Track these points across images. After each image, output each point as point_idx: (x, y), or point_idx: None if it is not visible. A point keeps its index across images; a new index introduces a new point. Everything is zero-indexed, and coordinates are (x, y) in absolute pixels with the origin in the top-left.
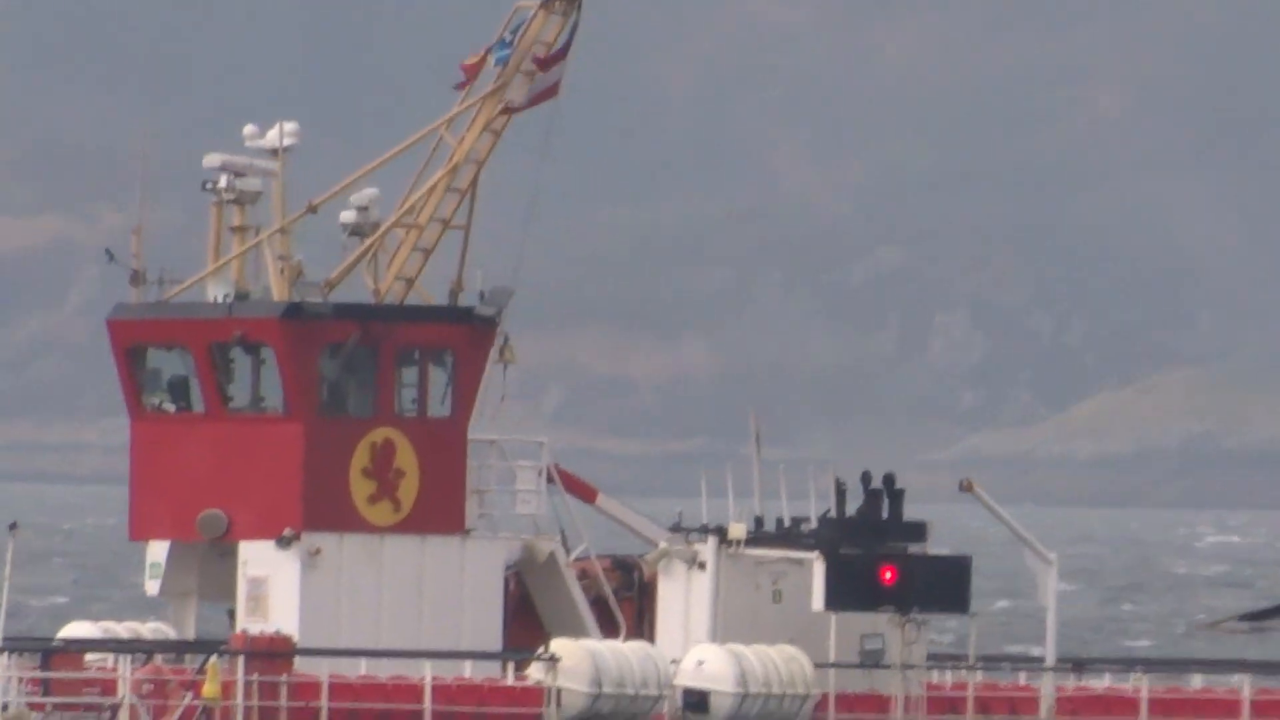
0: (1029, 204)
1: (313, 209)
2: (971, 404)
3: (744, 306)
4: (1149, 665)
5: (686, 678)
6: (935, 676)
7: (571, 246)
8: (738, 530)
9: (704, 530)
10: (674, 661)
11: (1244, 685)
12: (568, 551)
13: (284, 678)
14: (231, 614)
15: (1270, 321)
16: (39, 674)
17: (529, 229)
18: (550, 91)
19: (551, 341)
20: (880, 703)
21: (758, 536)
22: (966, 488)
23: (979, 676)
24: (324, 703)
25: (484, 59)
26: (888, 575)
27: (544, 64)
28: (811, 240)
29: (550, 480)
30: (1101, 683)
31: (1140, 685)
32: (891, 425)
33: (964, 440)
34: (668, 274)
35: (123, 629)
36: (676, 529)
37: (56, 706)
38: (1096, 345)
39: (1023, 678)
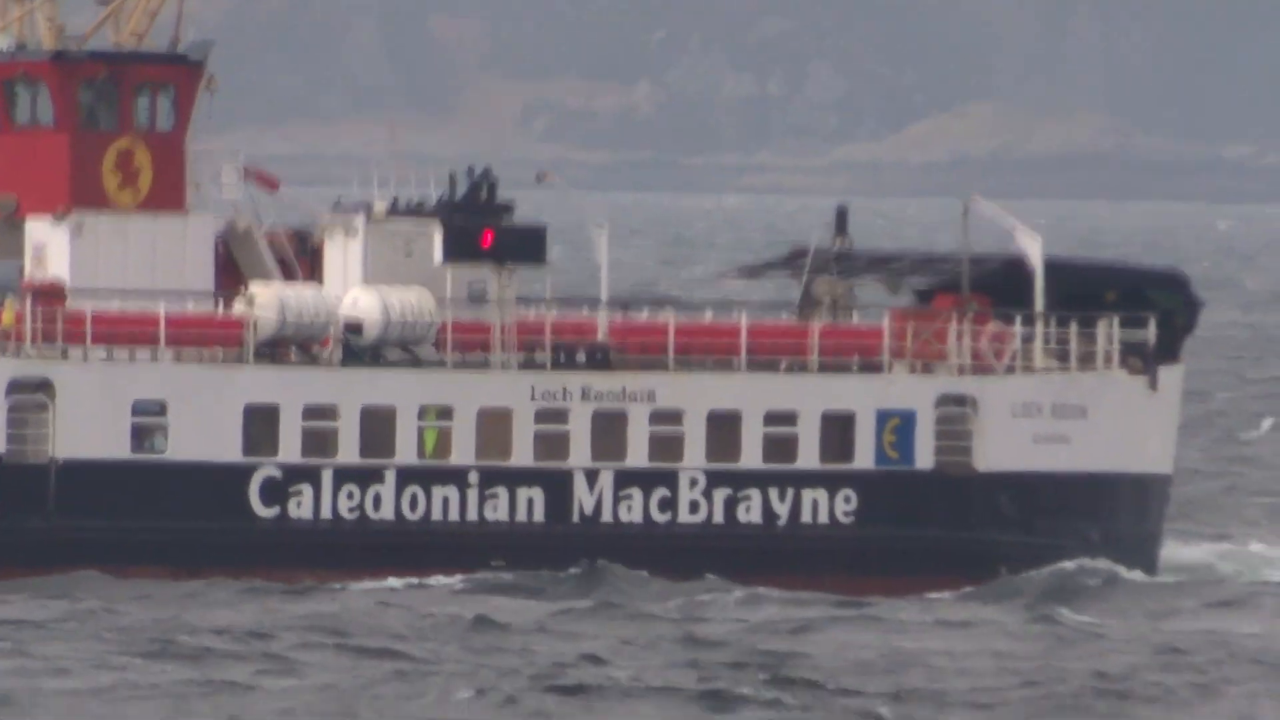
0: None
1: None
2: (836, 126)
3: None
4: (677, 304)
5: (346, 310)
6: (521, 311)
7: None
8: (380, 206)
9: (355, 207)
10: (337, 299)
11: (742, 318)
12: (261, 225)
13: (58, 310)
14: (20, 269)
15: (1055, 64)
16: None
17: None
18: None
19: None
20: (483, 329)
21: (394, 210)
22: (542, 178)
23: (554, 312)
24: (88, 329)
25: None
26: (488, 238)
27: None
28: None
29: (246, 175)
30: (641, 317)
31: (668, 319)
32: (784, 144)
33: (832, 152)
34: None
35: None
36: (336, 206)
37: None
38: (924, 85)
39: (586, 312)
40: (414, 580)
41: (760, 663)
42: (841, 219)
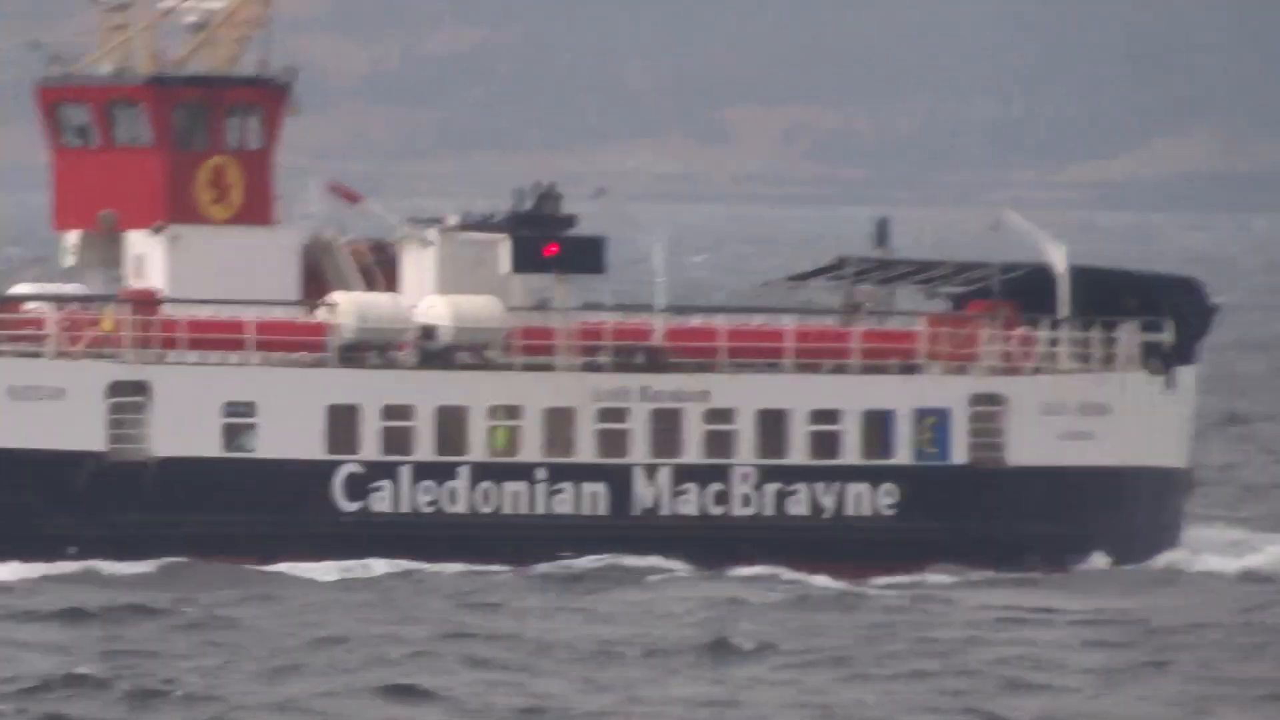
0: None
1: (165, 15)
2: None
3: None
4: (726, 309)
5: (421, 316)
6: (583, 317)
7: None
8: (452, 219)
9: (429, 220)
10: (413, 306)
11: (788, 321)
12: (344, 237)
13: (154, 317)
14: (121, 279)
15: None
16: None
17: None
18: None
19: None
20: (548, 333)
21: (466, 224)
22: (600, 192)
23: (614, 317)
24: (183, 335)
25: None
26: (552, 249)
27: None
28: None
29: (330, 190)
30: (696, 322)
31: (720, 323)
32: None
33: (1068, 169)
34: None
35: (50, 288)
36: (412, 220)
37: (6, 339)
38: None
39: (644, 317)
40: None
41: (790, 644)
42: (882, 230)
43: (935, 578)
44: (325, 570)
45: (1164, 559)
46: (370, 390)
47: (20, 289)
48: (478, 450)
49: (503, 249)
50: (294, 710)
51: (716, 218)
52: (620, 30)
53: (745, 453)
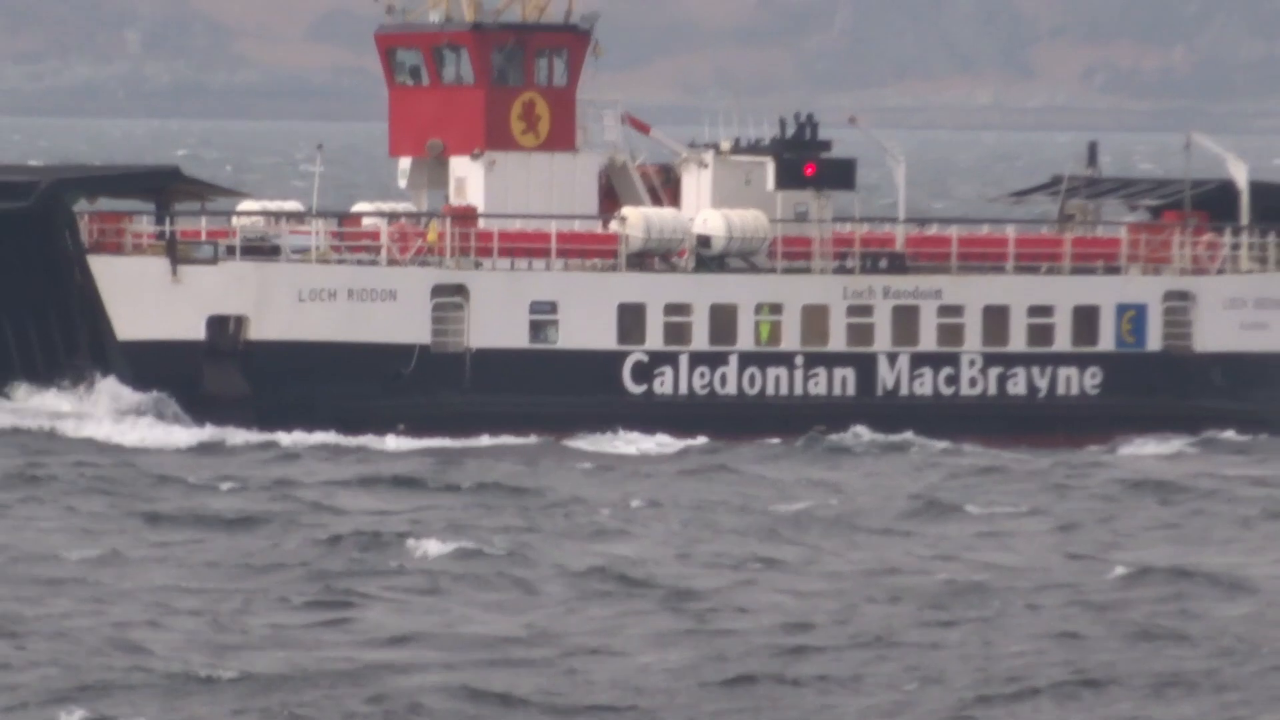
0: None
1: None
2: None
3: None
4: (958, 220)
5: (698, 228)
6: (836, 227)
7: None
8: (725, 145)
9: (706, 145)
10: (691, 219)
11: (1010, 230)
12: (634, 160)
13: (472, 230)
14: (446, 197)
15: None
16: (337, 230)
17: None
18: None
19: None
20: (805, 242)
21: (736, 149)
22: (852, 121)
23: (864, 227)
24: (495, 244)
25: None
26: (810, 169)
27: None
28: None
29: (623, 121)
30: (931, 231)
31: (952, 232)
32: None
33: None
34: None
35: (385, 206)
36: (692, 145)
37: (348, 249)
38: None
39: (887, 227)
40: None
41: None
42: (1092, 152)
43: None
44: (620, 443)
45: None
46: (655, 291)
47: (359, 206)
48: (746, 341)
49: (768, 169)
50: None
51: (983, 144)
52: None
53: (972, 342)
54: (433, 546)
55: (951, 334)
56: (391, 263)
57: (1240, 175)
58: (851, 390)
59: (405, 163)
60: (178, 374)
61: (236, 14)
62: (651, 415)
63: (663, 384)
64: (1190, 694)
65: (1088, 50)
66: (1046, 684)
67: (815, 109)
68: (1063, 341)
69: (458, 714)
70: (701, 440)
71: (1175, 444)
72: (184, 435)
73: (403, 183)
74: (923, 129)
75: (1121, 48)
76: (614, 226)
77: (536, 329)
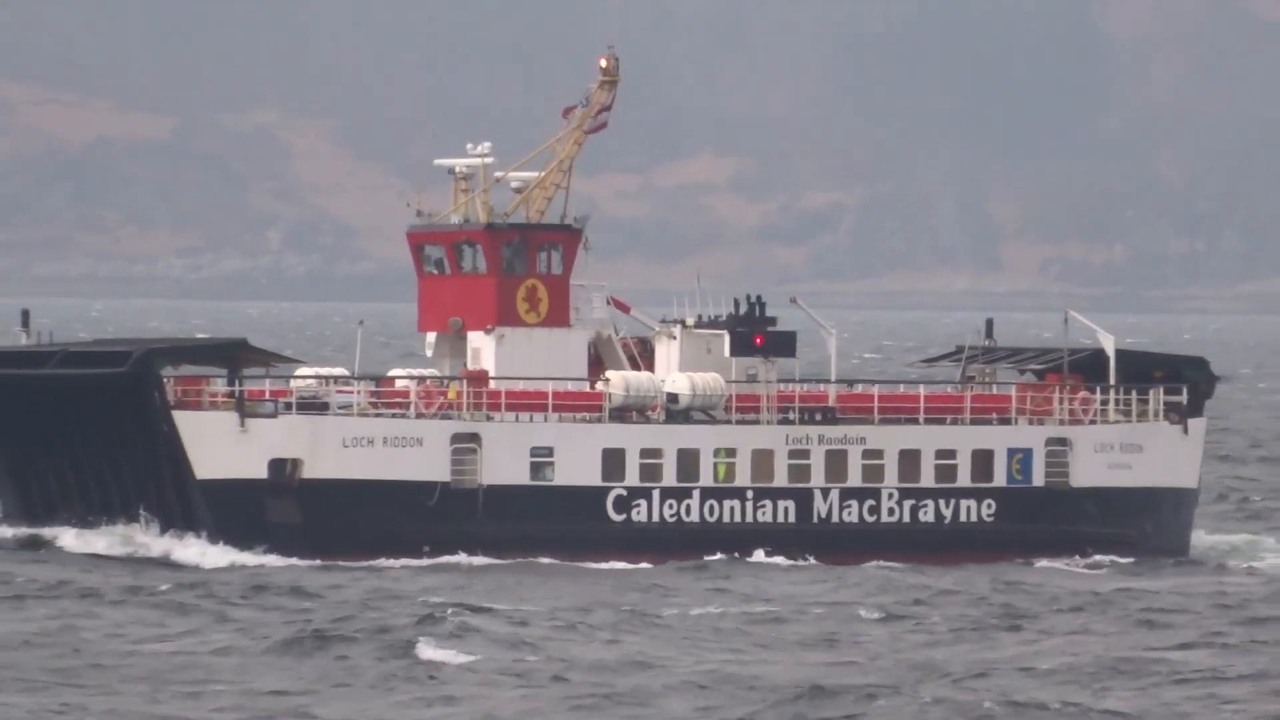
0: None
1: (496, 181)
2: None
3: None
4: (878, 381)
5: (668, 387)
6: (781, 386)
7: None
8: (690, 320)
9: (675, 321)
10: (662, 381)
11: (922, 389)
12: (617, 334)
13: (484, 389)
14: (464, 364)
15: None
16: (375, 389)
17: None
18: (603, 126)
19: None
20: (755, 399)
21: (699, 324)
22: (793, 301)
23: (803, 387)
24: (502, 401)
25: (575, 109)
26: (759, 340)
27: (600, 112)
28: None
29: (608, 302)
30: (858, 389)
31: (874, 390)
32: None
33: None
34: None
35: (415, 371)
36: (663, 321)
37: (384, 405)
38: None
39: (821, 387)
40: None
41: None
42: (989, 326)
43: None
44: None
45: (1180, 552)
46: (632, 438)
47: (394, 372)
48: (706, 478)
49: (725, 340)
50: None
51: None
52: (932, 187)
53: (890, 479)
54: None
55: (873, 473)
56: (419, 416)
57: (1108, 345)
58: (793, 519)
59: (431, 336)
60: (245, 507)
61: (358, 216)
62: (629, 539)
63: (639, 514)
64: None
65: (1045, 247)
66: None
67: (827, 294)
68: (964, 478)
69: None
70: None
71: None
72: (250, 559)
73: (429, 352)
74: (912, 309)
75: (1073, 245)
76: (600, 387)
77: (536, 469)
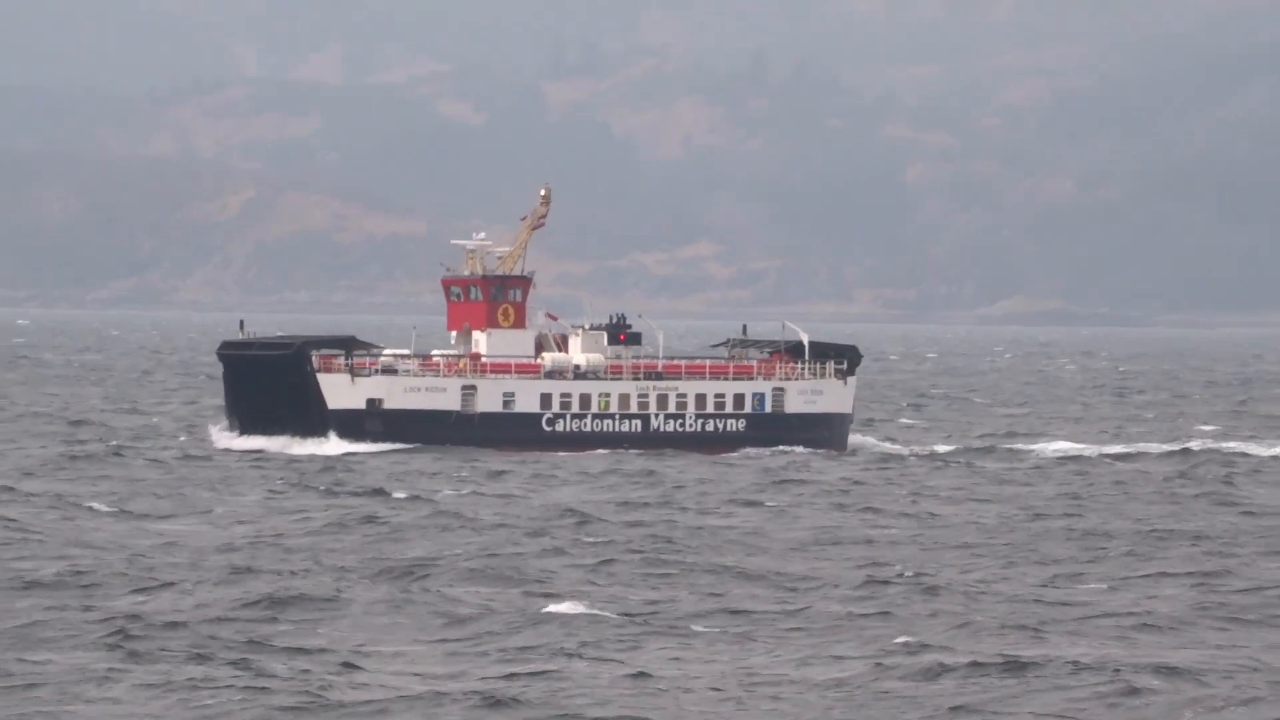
0: None
1: (485, 253)
2: None
3: None
4: (686, 356)
5: (575, 360)
6: (634, 360)
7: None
8: (587, 325)
9: (579, 326)
10: (571, 358)
11: (707, 361)
12: (550, 333)
13: (479, 362)
14: (470, 349)
15: None
16: (422, 360)
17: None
18: (542, 225)
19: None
20: (620, 368)
21: (593, 327)
22: (639, 316)
23: (644, 360)
24: (488, 367)
25: (527, 216)
26: (621, 336)
27: (541, 219)
28: None
29: (546, 315)
30: (674, 361)
31: (681, 362)
32: None
33: None
34: None
35: (444, 351)
36: (573, 324)
37: (426, 370)
38: None
39: (656, 361)
40: None
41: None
42: (744, 329)
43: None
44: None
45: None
46: (556, 387)
47: (434, 352)
48: (596, 409)
49: (604, 336)
50: None
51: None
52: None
53: (691, 409)
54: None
55: (681, 405)
56: (444, 375)
57: (805, 338)
58: (639, 429)
59: (454, 334)
60: (354, 424)
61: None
62: (554, 440)
63: (560, 427)
64: None
65: (877, 290)
66: None
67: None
68: (730, 408)
69: None
70: (567, 453)
71: (779, 454)
72: (367, 447)
73: (453, 342)
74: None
75: (888, 291)
76: (540, 361)
77: (505, 403)
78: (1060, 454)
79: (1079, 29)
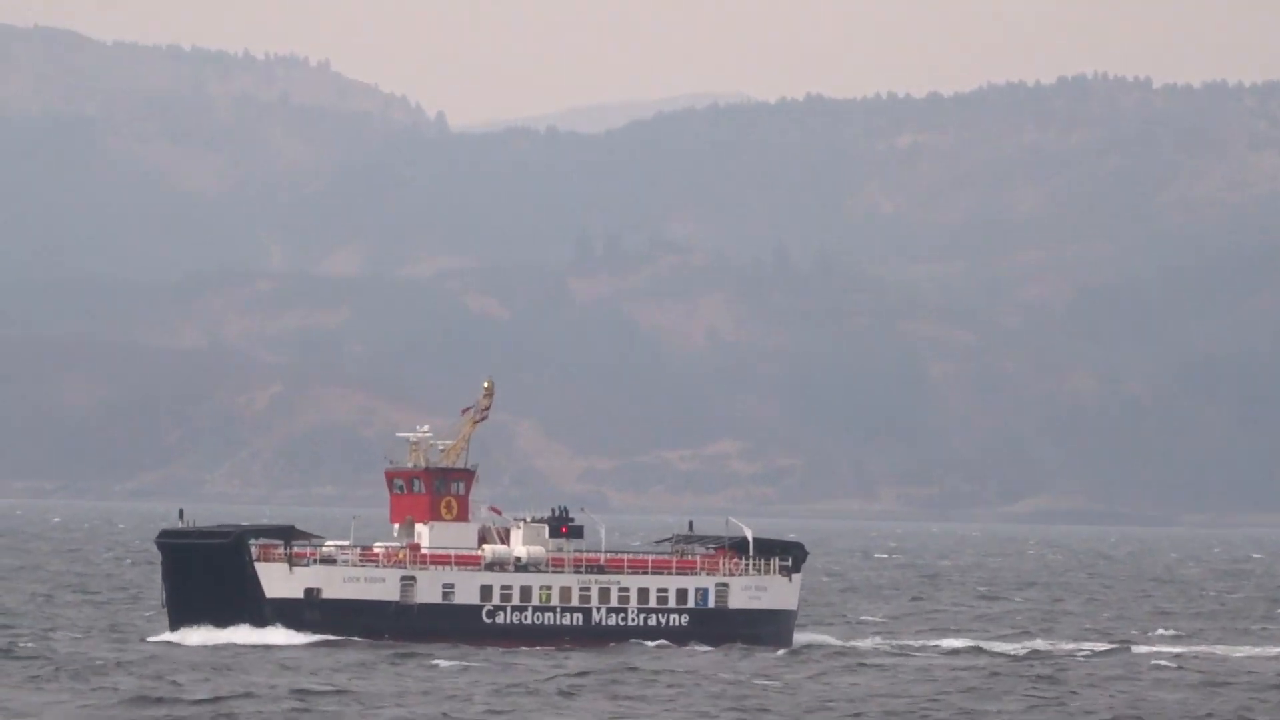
0: None
1: (428, 447)
2: None
3: None
4: (628, 551)
5: (517, 553)
6: (575, 553)
7: None
8: (529, 518)
9: (521, 519)
10: (513, 550)
11: (649, 556)
12: (493, 525)
13: (419, 553)
14: (411, 540)
15: None
16: (361, 551)
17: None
18: (485, 419)
19: None
20: (561, 560)
21: (535, 520)
22: (582, 510)
23: (586, 553)
24: (428, 558)
25: (469, 409)
26: (564, 530)
27: (484, 411)
28: None
29: (489, 509)
30: (616, 555)
31: (624, 556)
32: None
33: None
34: None
35: (384, 543)
36: (516, 518)
37: (365, 560)
38: None
39: (598, 555)
40: None
41: None
42: (690, 525)
43: (704, 654)
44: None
45: (800, 642)
46: (497, 580)
47: (376, 544)
48: (536, 601)
49: (545, 530)
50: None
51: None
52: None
53: (633, 603)
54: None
55: (624, 599)
56: (383, 566)
57: (749, 534)
58: (580, 623)
59: (396, 527)
60: (293, 613)
61: None
62: (494, 633)
63: (500, 619)
64: None
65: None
66: None
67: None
68: (673, 603)
69: None
70: (521, 648)
71: (717, 652)
72: (301, 638)
73: (395, 533)
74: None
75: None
76: (481, 552)
77: (446, 593)
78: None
79: (1100, 227)
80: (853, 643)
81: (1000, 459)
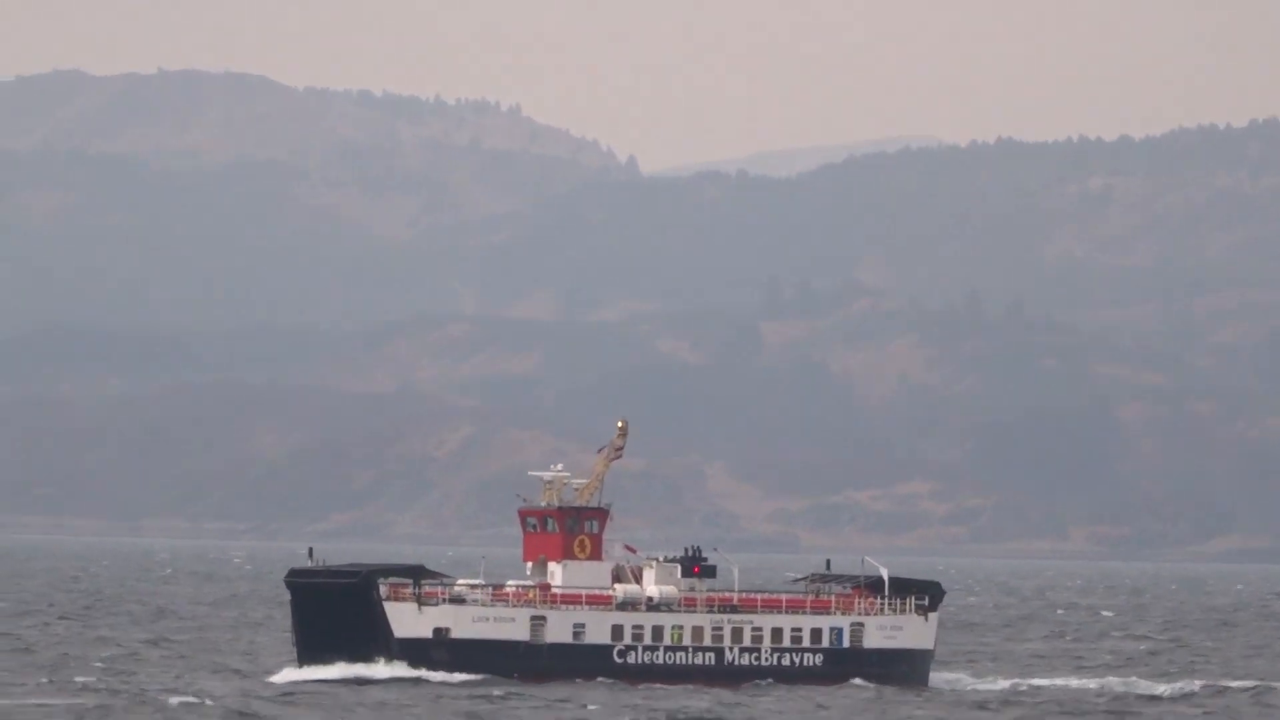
0: None
1: (562, 485)
2: None
3: None
4: (761, 591)
5: (649, 593)
6: (709, 593)
7: None
8: (662, 557)
9: (654, 558)
10: (645, 590)
11: (783, 595)
12: (627, 565)
13: (549, 593)
14: (544, 580)
15: None
16: (492, 590)
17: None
18: (619, 457)
19: None
20: (694, 600)
21: (667, 560)
22: (715, 550)
23: (719, 592)
24: (560, 599)
25: (604, 449)
26: (696, 570)
27: (618, 450)
28: None
29: (624, 548)
30: (750, 594)
31: (758, 595)
32: None
33: None
34: None
35: (517, 581)
36: (649, 557)
37: (497, 599)
38: None
39: (731, 594)
40: None
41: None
42: (828, 564)
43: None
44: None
45: (935, 681)
46: (628, 619)
47: (509, 582)
48: (669, 641)
49: (678, 569)
50: None
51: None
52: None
53: (767, 643)
54: None
55: (757, 639)
56: (513, 605)
57: (885, 573)
58: (712, 662)
59: (529, 566)
60: (421, 652)
61: None
62: (626, 672)
63: (632, 659)
64: None
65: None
66: None
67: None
68: (807, 642)
69: None
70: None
71: (856, 690)
72: (434, 676)
73: (528, 571)
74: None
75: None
76: (613, 592)
77: (575, 633)
78: None
79: None
80: (984, 684)
81: (1190, 498)
